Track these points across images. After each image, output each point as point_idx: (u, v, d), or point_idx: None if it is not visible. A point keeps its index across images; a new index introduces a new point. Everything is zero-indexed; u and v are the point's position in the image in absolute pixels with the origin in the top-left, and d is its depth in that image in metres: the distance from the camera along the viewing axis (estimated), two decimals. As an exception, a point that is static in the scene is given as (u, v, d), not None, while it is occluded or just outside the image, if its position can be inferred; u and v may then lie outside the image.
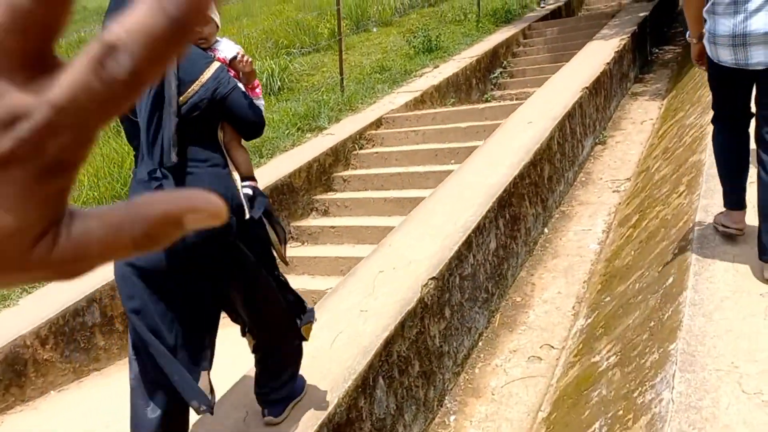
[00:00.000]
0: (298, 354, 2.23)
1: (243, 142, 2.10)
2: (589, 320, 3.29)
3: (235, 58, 2.13)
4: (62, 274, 0.24)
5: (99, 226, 0.24)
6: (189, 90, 1.88)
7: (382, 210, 5.17)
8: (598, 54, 7.37)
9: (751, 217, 2.87)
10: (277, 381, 2.17)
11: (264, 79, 7.93)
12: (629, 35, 8.19)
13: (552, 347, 3.35)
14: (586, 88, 6.00)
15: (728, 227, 2.81)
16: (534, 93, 6.53)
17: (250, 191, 2.03)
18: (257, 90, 2.19)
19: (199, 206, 0.25)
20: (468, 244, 3.40)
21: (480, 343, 3.46)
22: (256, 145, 5.85)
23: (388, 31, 10.70)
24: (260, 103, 2.12)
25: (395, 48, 9.70)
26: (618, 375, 2.43)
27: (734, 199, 2.80)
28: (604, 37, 8.50)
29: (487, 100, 8.42)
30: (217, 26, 2.16)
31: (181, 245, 1.77)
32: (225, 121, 2.00)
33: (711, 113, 2.86)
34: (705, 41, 2.57)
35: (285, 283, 2.18)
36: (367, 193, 5.49)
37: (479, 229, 3.55)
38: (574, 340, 3.26)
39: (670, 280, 2.71)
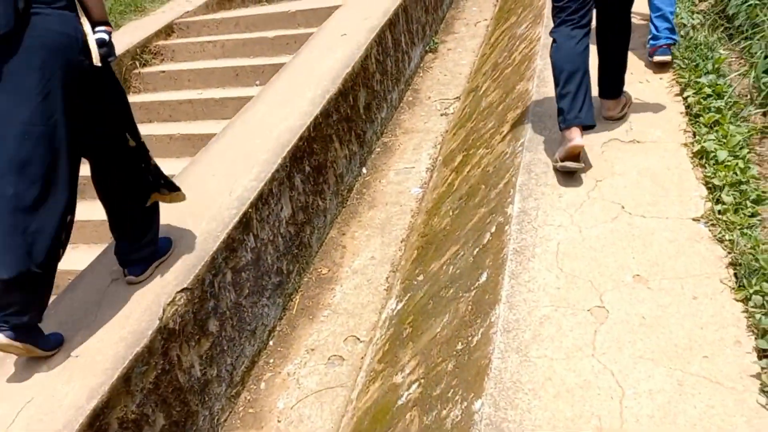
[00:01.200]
0: (155, 216, 2.29)
1: None
2: (400, 305, 2.70)
3: None
4: None
5: None
6: None
7: (168, 151, 4.14)
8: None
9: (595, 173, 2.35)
10: (137, 243, 2.23)
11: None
12: None
13: (358, 340, 2.75)
14: (413, -14, 5.14)
15: (566, 163, 2.35)
16: (357, -10, 5.55)
17: (105, 36, 1.98)
18: None
19: None
20: (245, 223, 2.59)
21: (271, 343, 2.77)
22: None
23: None
24: None
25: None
26: (416, 426, 1.85)
27: (573, 116, 2.35)
28: None
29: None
30: None
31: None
32: None
33: (544, 23, 2.33)
34: None
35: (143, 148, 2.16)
36: (149, 127, 4.38)
37: (262, 199, 2.74)
38: (382, 332, 2.67)
39: (484, 277, 2.12)
